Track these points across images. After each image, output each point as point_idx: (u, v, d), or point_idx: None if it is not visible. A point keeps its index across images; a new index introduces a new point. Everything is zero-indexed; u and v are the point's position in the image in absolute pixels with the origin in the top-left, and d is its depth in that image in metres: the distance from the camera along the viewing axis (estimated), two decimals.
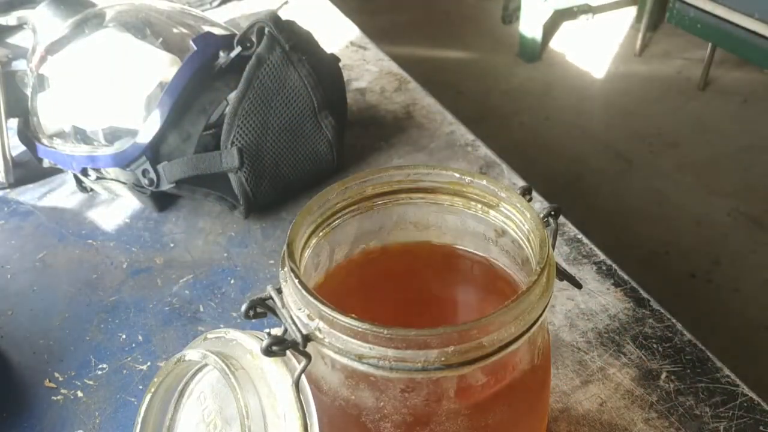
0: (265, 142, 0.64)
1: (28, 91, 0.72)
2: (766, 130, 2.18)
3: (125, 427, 0.50)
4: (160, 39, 0.71)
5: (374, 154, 0.78)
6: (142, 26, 0.71)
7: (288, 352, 0.32)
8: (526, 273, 0.37)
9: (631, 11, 2.91)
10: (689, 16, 2.12)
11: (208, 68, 0.65)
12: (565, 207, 0.39)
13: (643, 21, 2.61)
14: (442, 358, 0.29)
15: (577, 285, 0.37)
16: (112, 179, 0.68)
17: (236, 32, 0.66)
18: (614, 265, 0.60)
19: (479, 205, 0.38)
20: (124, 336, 0.57)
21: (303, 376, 0.31)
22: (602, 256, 0.61)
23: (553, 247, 0.35)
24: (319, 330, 0.30)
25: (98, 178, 0.69)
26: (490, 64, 2.71)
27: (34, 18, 0.72)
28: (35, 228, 0.71)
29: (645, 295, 0.57)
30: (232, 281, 0.62)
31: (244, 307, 0.32)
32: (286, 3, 1.19)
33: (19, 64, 0.78)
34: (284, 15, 0.67)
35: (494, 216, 0.38)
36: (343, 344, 0.30)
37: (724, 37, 2.04)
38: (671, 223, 1.84)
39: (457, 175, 0.37)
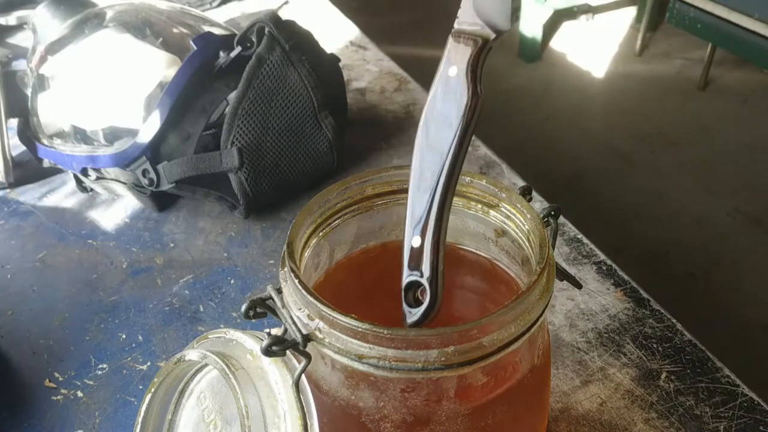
0: (265, 142, 0.64)
1: (28, 91, 0.72)
2: (766, 130, 2.17)
3: (125, 427, 0.50)
4: (160, 39, 0.71)
5: (374, 154, 0.78)
6: (142, 26, 0.71)
7: (288, 352, 0.32)
8: (527, 273, 0.37)
9: (631, 11, 2.91)
10: (689, 16, 2.12)
11: (208, 68, 0.65)
12: (565, 207, 0.39)
13: (643, 21, 2.61)
14: (442, 358, 0.29)
15: (577, 285, 0.37)
16: (112, 179, 0.68)
17: (236, 32, 0.66)
18: (614, 265, 0.60)
19: (479, 205, 0.38)
20: (124, 336, 0.57)
21: (303, 376, 0.31)
22: (602, 256, 0.61)
23: (553, 247, 0.35)
24: (319, 330, 0.30)
25: (98, 178, 0.69)
26: (491, 64, 2.67)
27: (34, 18, 0.72)
28: (35, 228, 0.71)
29: (645, 295, 0.57)
30: (232, 281, 0.62)
31: (244, 307, 0.32)
32: (286, 3, 1.19)
33: (19, 64, 0.78)
34: (284, 15, 0.67)
35: (494, 216, 0.38)
36: (343, 344, 0.30)
37: (724, 37, 2.04)
38: (671, 223, 1.84)
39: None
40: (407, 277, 0.33)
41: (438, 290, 0.32)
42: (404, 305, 0.33)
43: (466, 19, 0.33)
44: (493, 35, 0.32)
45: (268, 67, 0.63)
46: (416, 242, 0.32)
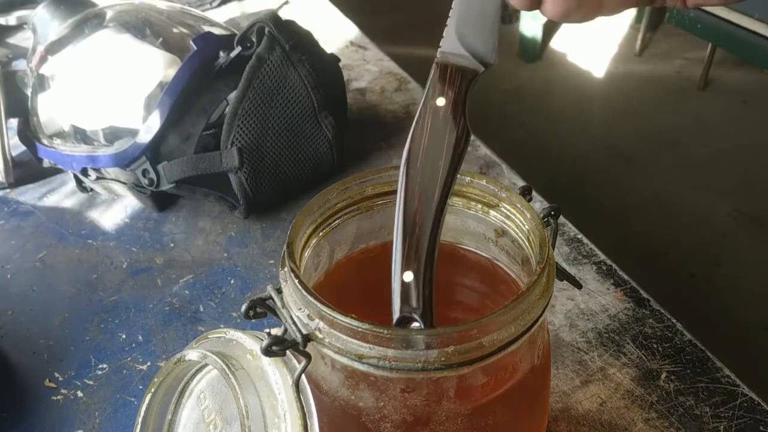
0: (265, 142, 0.64)
1: (28, 91, 0.72)
2: (766, 130, 2.17)
3: (125, 427, 0.50)
4: (160, 39, 0.71)
5: (374, 154, 0.78)
6: (142, 26, 0.71)
7: (288, 352, 0.32)
8: (527, 273, 0.37)
9: (631, 11, 2.90)
10: (689, 16, 2.12)
11: (208, 68, 0.65)
12: (565, 207, 0.39)
13: (643, 21, 2.61)
14: (442, 358, 0.29)
15: (577, 285, 0.37)
16: (112, 179, 0.68)
17: (236, 32, 0.66)
18: (614, 265, 0.60)
19: (479, 205, 0.38)
20: (124, 336, 0.57)
21: (303, 376, 0.31)
22: (602, 256, 0.61)
23: (553, 247, 0.35)
24: (319, 330, 0.30)
25: (98, 178, 0.69)
26: None
27: (34, 18, 0.72)
28: (35, 228, 0.71)
29: (645, 295, 0.57)
30: (232, 281, 0.62)
31: (244, 307, 0.32)
32: (286, 3, 1.19)
33: (19, 64, 0.78)
34: (284, 15, 0.67)
35: (494, 216, 0.38)
36: (343, 344, 0.30)
37: (724, 37, 2.04)
38: (671, 223, 1.84)
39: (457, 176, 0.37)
40: (398, 312, 0.31)
41: (432, 326, 0.31)
42: None
43: (450, 49, 0.32)
44: (481, 69, 0.31)
45: (268, 67, 0.63)
46: (408, 277, 0.31)
